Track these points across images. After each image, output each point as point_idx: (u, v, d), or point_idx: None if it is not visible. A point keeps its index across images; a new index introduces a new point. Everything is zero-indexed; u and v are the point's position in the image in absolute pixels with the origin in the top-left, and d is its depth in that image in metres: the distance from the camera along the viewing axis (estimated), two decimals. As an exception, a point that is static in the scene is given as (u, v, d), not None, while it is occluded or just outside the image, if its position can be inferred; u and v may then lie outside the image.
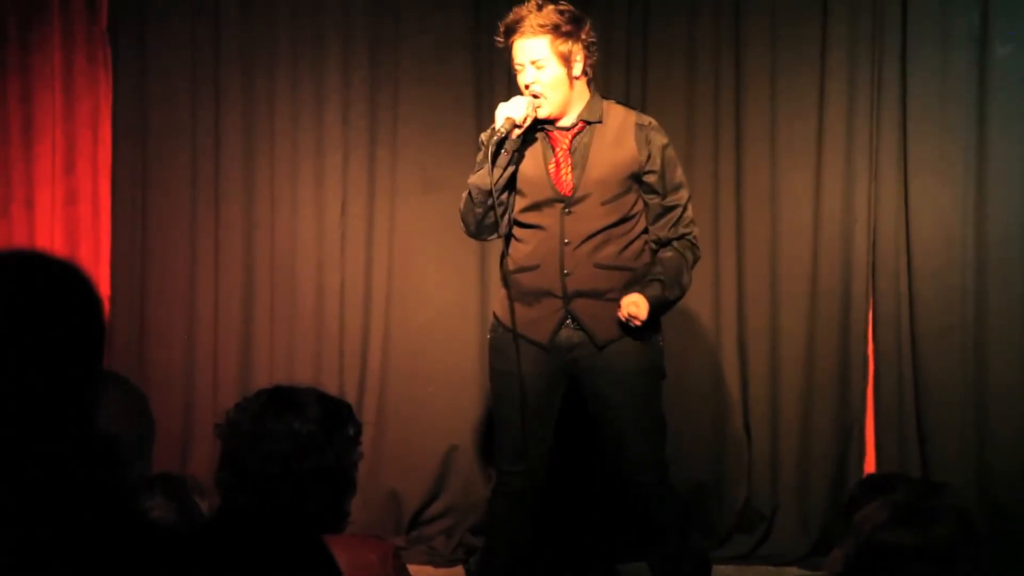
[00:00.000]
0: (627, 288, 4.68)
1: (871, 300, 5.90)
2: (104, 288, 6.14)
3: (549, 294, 4.71)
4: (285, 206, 6.17)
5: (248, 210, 6.18)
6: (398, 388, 6.14)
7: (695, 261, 4.80)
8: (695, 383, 5.95)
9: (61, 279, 1.98)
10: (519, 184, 4.74)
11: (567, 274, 4.68)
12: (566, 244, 4.67)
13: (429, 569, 5.85)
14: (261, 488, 2.79)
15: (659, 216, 4.74)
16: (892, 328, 5.86)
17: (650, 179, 4.72)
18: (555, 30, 4.62)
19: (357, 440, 2.91)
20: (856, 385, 5.90)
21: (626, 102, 4.98)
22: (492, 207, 4.66)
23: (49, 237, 6.22)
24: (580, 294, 4.69)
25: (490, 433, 6.06)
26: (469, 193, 4.71)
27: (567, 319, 4.72)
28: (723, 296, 5.96)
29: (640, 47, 5.99)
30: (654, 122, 4.80)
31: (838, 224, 5.88)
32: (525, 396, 4.70)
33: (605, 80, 5.60)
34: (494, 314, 4.88)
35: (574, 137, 4.73)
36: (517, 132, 4.65)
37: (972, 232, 5.80)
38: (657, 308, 4.68)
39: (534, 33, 4.62)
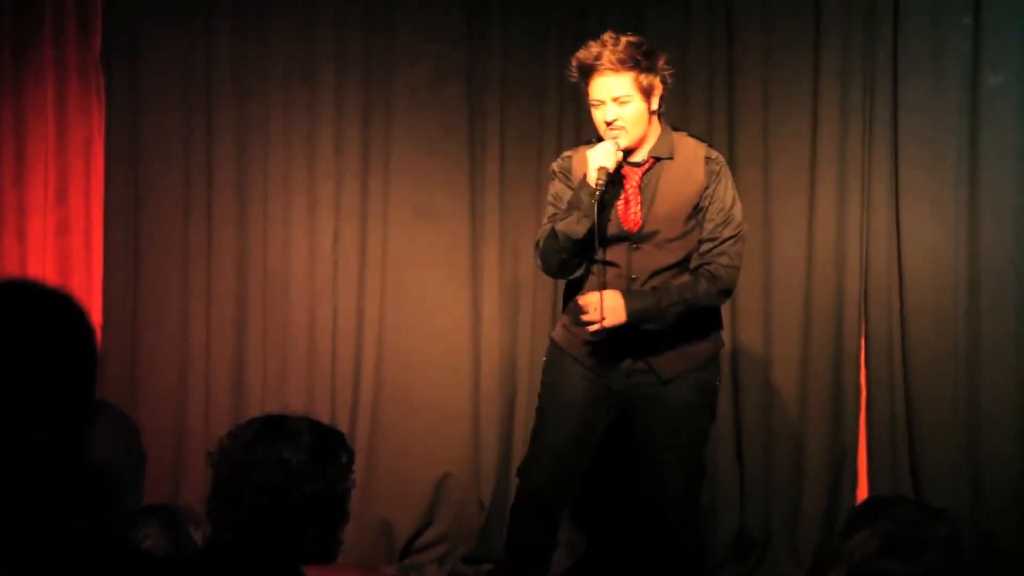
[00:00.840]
0: (689, 323, 4.67)
1: (863, 327, 5.91)
2: (96, 317, 6.14)
3: (613, 327, 4.61)
4: (278, 234, 6.17)
5: (241, 238, 6.18)
6: (390, 416, 6.13)
7: (708, 291, 4.67)
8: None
9: (54, 308, 1.99)
10: None
11: None
12: (632, 280, 4.64)
13: (421, 598, 5.85)
14: (252, 518, 2.78)
15: (699, 243, 4.72)
16: (884, 356, 5.86)
17: (705, 206, 4.69)
18: (637, 65, 4.55)
19: (350, 468, 2.90)
20: (849, 412, 5.90)
21: (697, 135, 4.93)
22: (579, 253, 4.66)
23: (41, 267, 6.22)
24: (644, 329, 4.64)
25: (482, 460, 6.06)
26: (555, 236, 4.64)
27: (629, 351, 4.69)
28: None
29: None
30: (722, 158, 4.78)
31: (831, 252, 5.89)
32: (574, 417, 4.73)
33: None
34: (551, 339, 4.86)
35: (644, 173, 4.68)
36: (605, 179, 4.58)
37: (964, 260, 5.81)
38: (638, 312, 4.59)
39: (616, 70, 4.54)
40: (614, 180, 4.63)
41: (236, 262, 6.18)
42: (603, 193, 4.54)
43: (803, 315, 5.92)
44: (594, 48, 4.59)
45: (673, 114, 5.95)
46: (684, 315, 4.65)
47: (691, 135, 4.83)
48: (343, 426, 5.84)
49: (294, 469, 2.80)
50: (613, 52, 4.54)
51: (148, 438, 5.85)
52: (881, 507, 2.92)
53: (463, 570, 5.97)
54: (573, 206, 4.61)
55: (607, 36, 4.61)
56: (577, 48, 4.70)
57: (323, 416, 5.68)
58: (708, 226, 4.69)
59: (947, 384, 5.81)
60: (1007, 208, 5.79)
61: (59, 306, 1.99)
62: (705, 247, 4.69)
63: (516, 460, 4.72)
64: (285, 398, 6.04)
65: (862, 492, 5.88)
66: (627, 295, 4.60)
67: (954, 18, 5.80)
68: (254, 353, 6.17)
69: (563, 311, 4.87)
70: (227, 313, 6.18)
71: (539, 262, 4.78)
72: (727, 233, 4.69)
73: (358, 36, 6.13)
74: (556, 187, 4.76)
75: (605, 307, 4.56)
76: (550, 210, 4.76)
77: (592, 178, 4.55)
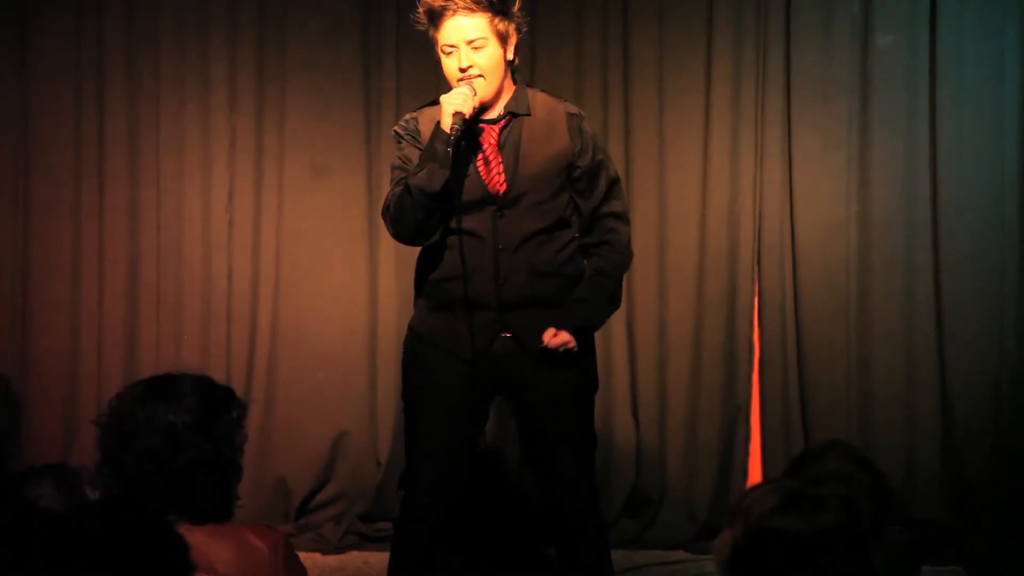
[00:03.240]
0: (563, 294, 4.32)
1: (757, 286, 5.97)
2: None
3: (482, 305, 4.28)
4: (171, 193, 6.09)
5: (133, 197, 6.10)
6: (286, 374, 6.10)
7: (618, 265, 4.47)
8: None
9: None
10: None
11: (503, 283, 4.27)
12: (501, 250, 4.26)
13: (318, 556, 5.81)
14: (140, 482, 2.75)
15: (588, 224, 4.40)
16: (777, 312, 5.93)
17: (581, 176, 4.33)
18: (491, 7, 4.21)
19: (240, 424, 2.87)
20: (742, 370, 5.96)
21: (552, 91, 4.58)
22: (435, 211, 4.19)
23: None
24: (516, 304, 4.28)
25: (379, 418, 6.05)
26: (409, 194, 4.18)
27: (502, 331, 4.30)
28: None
29: (527, 32, 5.99)
30: (583, 113, 4.45)
31: (724, 210, 5.95)
32: (450, 416, 4.32)
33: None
34: (410, 328, 4.45)
35: (500, 131, 4.30)
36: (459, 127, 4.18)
37: (855, 219, 5.90)
38: (585, 332, 4.33)
39: (471, 11, 4.17)
40: (471, 135, 4.24)
41: (128, 220, 6.10)
42: (459, 140, 4.14)
43: (697, 272, 5.97)
44: None
45: (568, 70, 5.99)
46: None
47: (544, 91, 4.44)
48: (238, 384, 5.81)
49: (178, 432, 2.77)
50: None
51: (38, 399, 5.87)
52: (816, 457, 2.92)
53: (360, 528, 5.97)
54: (427, 158, 4.18)
55: None
56: None
57: (218, 374, 5.63)
58: (595, 197, 4.38)
59: (839, 340, 5.90)
60: (897, 166, 5.90)
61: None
62: (601, 225, 4.40)
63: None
64: (179, 358, 5.98)
65: (755, 448, 5.96)
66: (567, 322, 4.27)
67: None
68: (147, 312, 6.11)
69: (417, 293, 4.45)
70: (120, 272, 6.10)
71: (391, 229, 4.33)
72: (616, 207, 4.43)
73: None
74: (404, 150, 4.32)
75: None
76: (397, 175, 4.32)
77: (447, 123, 4.13)
